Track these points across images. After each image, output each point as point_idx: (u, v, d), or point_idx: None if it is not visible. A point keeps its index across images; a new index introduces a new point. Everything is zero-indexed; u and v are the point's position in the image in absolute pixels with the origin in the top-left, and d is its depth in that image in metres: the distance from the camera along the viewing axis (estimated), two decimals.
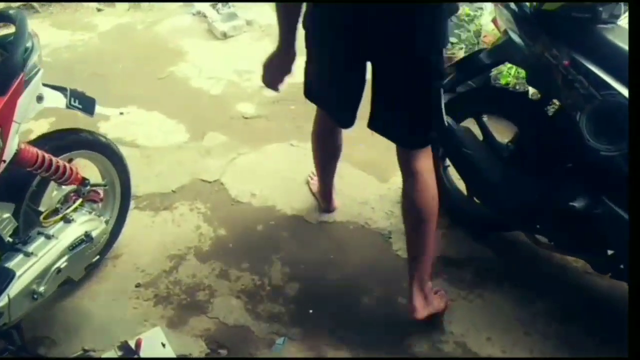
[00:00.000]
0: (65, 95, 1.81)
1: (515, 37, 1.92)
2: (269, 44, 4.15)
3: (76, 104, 1.84)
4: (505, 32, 1.99)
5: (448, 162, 2.40)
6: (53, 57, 3.93)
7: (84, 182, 1.91)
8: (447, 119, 2.14)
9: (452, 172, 2.42)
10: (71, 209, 1.85)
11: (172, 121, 3.22)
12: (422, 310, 1.90)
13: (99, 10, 4.83)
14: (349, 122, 2.03)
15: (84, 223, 1.84)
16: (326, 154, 2.35)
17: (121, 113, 2.16)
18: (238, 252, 2.32)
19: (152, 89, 3.54)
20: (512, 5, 1.98)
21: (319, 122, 2.23)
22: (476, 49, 3.60)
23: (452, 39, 3.53)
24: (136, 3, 5.55)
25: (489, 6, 4.78)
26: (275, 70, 2.01)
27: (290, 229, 2.44)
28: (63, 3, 4.83)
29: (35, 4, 4.70)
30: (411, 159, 1.83)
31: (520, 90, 2.94)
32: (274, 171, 2.81)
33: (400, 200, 1.95)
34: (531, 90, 3.07)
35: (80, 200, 1.91)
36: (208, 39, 4.11)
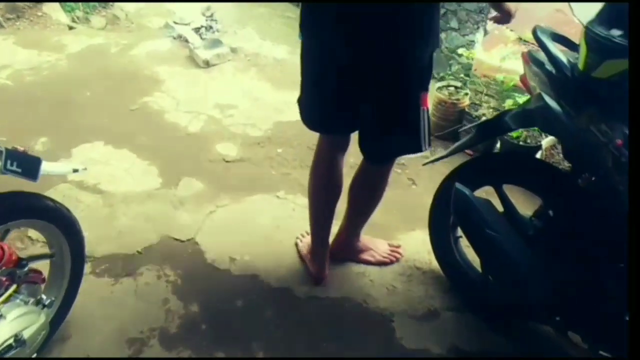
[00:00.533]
0: (0, 157, 1.41)
1: (552, 104, 1.61)
2: (255, 75, 3.77)
3: (14, 168, 1.44)
4: (539, 95, 1.67)
5: (460, 232, 2.07)
6: (14, 80, 3.49)
7: (20, 263, 1.51)
8: (462, 188, 1.82)
9: (464, 243, 2.09)
10: (0, 300, 1.44)
11: (142, 162, 2.81)
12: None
13: (70, 28, 4.41)
14: (349, 131, 1.96)
15: (16, 320, 1.42)
16: (325, 191, 2.07)
17: (76, 170, 1.74)
18: (212, 337, 1.92)
19: (122, 122, 3.13)
20: (548, 65, 1.67)
21: (320, 152, 2.05)
22: (468, 82, 3.35)
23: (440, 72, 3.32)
24: (114, 21, 5.17)
25: (480, 38, 4.56)
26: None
27: (275, 306, 2.05)
28: (31, 18, 4.40)
29: (0, 19, 4.25)
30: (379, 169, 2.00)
31: (548, 162, 2.67)
32: (257, 229, 2.42)
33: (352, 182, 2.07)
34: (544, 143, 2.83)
35: (14, 286, 1.50)
36: (188, 67, 3.72)
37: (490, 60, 5.82)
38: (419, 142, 1.81)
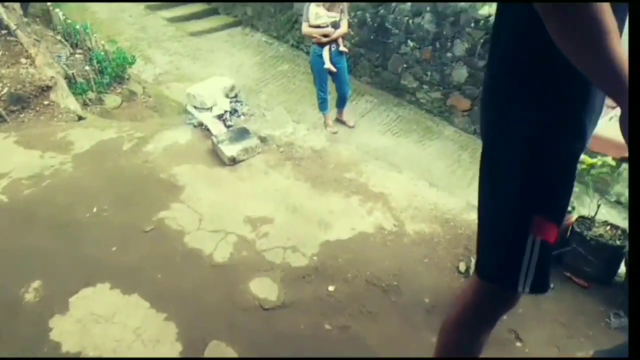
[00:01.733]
0: None
1: None
2: (291, 172, 2.96)
3: None
4: None
5: None
6: (10, 193, 2.89)
7: None
8: None
9: None
10: None
11: (158, 316, 2.12)
12: None
13: (80, 118, 3.85)
14: None
15: None
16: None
17: None
18: None
19: (133, 251, 2.47)
20: None
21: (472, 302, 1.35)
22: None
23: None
24: (130, 98, 4.65)
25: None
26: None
27: None
28: (37, 109, 3.86)
29: (2, 112, 3.72)
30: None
31: None
32: None
33: None
34: None
35: None
36: (211, 165, 3.08)
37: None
38: (514, 277, 1.22)
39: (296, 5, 6.73)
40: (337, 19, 4.57)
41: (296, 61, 6.94)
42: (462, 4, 5.16)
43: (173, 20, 7.46)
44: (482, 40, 5.15)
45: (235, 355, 1.93)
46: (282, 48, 7.20)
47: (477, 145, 5.50)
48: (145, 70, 6.41)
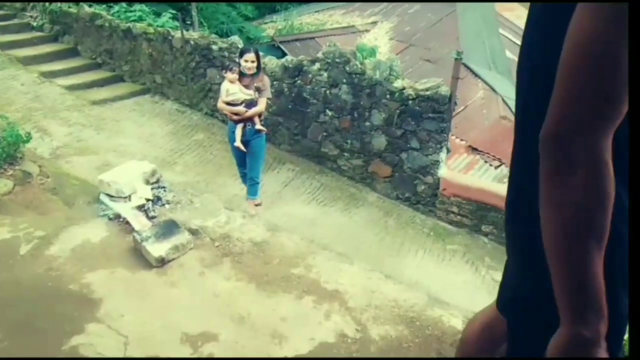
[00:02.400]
0: None
1: None
2: (231, 272, 2.53)
3: None
4: None
5: None
6: None
7: None
8: None
9: None
10: None
11: None
12: None
13: None
14: None
15: None
16: None
17: None
18: None
19: None
20: None
21: None
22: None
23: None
24: (24, 181, 3.99)
25: (444, 157, 3.87)
26: None
27: None
28: None
29: None
30: None
31: None
32: None
33: None
34: None
35: None
36: (135, 269, 2.60)
37: (459, 178, 5.20)
38: None
39: (209, 73, 6.50)
40: (253, 97, 4.25)
41: (211, 129, 6.61)
42: (377, 76, 5.28)
43: (72, 88, 6.79)
44: (398, 111, 5.28)
45: None
46: (195, 116, 6.85)
47: (400, 210, 5.52)
48: (41, 145, 5.65)
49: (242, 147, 4.29)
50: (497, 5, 8.76)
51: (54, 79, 6.90)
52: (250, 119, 4.27)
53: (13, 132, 4.23)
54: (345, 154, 5.82)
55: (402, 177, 5.52)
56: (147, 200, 2.97)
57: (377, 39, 8.38)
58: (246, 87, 4.24)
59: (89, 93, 6.85)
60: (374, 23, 8.92)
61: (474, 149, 6.19)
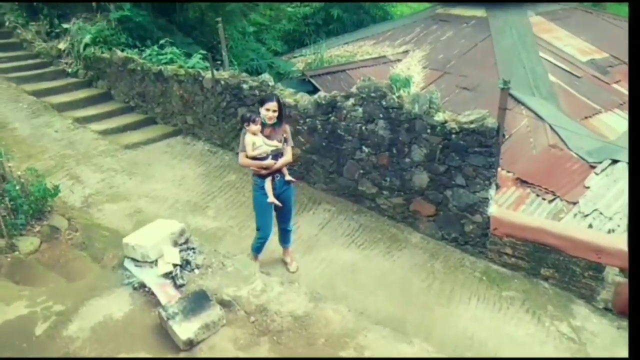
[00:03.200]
0: None
1: None
2: (269, 354, 1.99)
3: None
4: None
5: None
6: None
7: None
8: None
9: None
10: None
11: None
12: None
13: None
14: None
15: None
16: None
17: None
18: None
19: None
20: None
21: None
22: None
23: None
24: (52, 237, 3.78)
25: (493, 194, 3.40)
26: None
27: None
28: None
29: None
30: None
31: None
32: None
33: None
34: None
35: None
36: (160, 350, 2.25)
37: (512, 216, 4.64)
38: None
39: (240, 112, 6.26)
40: (280, 146, 3.89)
41: (243, 170, 6.30)
42: (415, 110, 4.90)
43: (105, 133, 6.69)
44: (440, 146, 4.85)
45: None
46: (227, 156, 6.60)
47: (447, 252, 5.03)
48: (73, 192, 5.50)
49: (278, 202, 3.93)
50: (534, 27, 8.29)
51: (88, 124, 6.82)
52: (278, 170, 3.94)
53: (41, 187, 4.05)
54: (384, 192, 5.40)
55: (448, 216, 5.04)
56: (175, 265, 2.64)
57: (410, 68, 8.03)
58: (267, 137, 3.90)
59: (121, 137, 6.73)
60: (405, 52, 8.58)
61: (522, 182, 5.67)
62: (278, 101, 3.89)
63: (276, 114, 3.87)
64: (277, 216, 4.25)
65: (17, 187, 3.85)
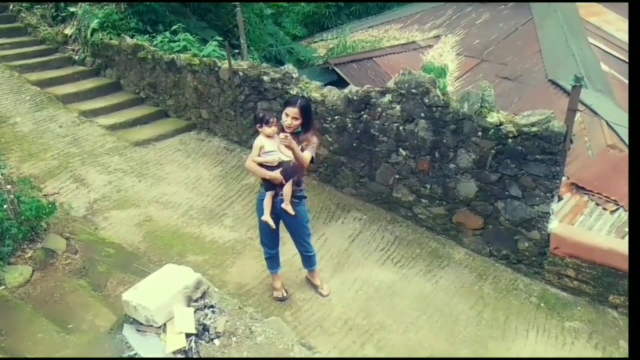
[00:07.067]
0: None
1: None
2: None
3: None
4: None
5: None
6: None
7: None
8: None
9: None
10: None
11: None
12: None
13: None
14: None
15: None
16: None
17: None
18: None
19: None
20: None
21: None
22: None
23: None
24: (47, 262, 3.14)
25: (556, 209, 2.66)
26: None
27: None
28: None
29: None
30: None
31: None
32: None
33: None
34: None
35: None
36: None
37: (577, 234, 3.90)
38: None
39: (260, 107, 5.52)
40: (293, 160, 3.16)
41: None
42: (464, 110, 4.11)
43: (113, 128, 6.00)
44: (493, 151, 4.08)
45: None
46: (245, 155, 5.84)
47: (497, 271, 4.30)
48: (77, 197, 4.85)
49: (272, 223, 3.24)
50: (581, 9, 7.33)
51: (95, 117, 6.13)
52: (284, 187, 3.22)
53: (34, 204, 3.37)
54: (423, 201, 4.66)
55: (498, 231, 4.30)
56: (189, 335, 1.95)
57: (442, 55, 7.17)
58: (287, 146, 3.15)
59: (131, 132, 6.03)
60: (437, 37, 7.70)
61: (579, 187, 4.89)
62: (302, 108, 3.15)
63: (297, 122, 3.14)
64: (291, 236, 3.63)
65: (5, 207, 3.18)
